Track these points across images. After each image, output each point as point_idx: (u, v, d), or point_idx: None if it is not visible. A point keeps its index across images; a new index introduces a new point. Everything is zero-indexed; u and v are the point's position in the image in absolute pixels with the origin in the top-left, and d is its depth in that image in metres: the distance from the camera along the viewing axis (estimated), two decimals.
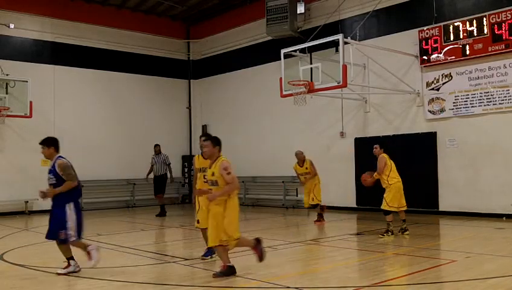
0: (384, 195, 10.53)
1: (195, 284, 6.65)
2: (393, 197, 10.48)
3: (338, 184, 16.78)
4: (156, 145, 16.90)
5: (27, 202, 17.21)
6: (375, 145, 11.07)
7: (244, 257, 8.53)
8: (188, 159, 22.16)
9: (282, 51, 14.25)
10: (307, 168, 13.68)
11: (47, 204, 17.20)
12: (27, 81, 16.90)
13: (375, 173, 10.71)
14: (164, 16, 21.48)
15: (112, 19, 19.99)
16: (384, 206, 10.49)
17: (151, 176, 16.89)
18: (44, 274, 7.46)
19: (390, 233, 10.43)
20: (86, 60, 19.40)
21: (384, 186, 10.66)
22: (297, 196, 17.94)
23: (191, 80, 22.54)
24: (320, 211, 13.74)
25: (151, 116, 21.04)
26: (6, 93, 16.76)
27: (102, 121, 19.74)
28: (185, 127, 22.49)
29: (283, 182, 18.36)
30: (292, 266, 7.91)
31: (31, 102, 16.83)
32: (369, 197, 16.02)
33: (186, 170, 22.09)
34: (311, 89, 13.30)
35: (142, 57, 20.92)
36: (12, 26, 17.61)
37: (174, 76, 22.06)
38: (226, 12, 20.69)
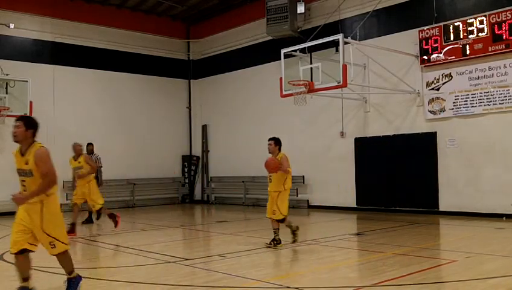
0: (278, 203, 9.34)
1: (195, 284, 6.64)
2: (286, 203, 9.48)
3: (338, 184, 16.80)
4: (89, 144, 14.98)
5: None
6: (269, 141, 9.66)
7: (246, 256, 8.53)
8: (188, 159, 22.19)
9: (282, 51, 14.26)
10: (79, 162, 11.98)
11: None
12: (27, 81, 16.90)
13: (286, 169, 9.31)
14: (164, 16, 21.48)
15: (112, 19, 20.00)
16: (279, 216, 9.38)
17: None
18: (45, 274, 7.45)
19: (277, 241, 9.38)
20: (86, 60, 19.41)
21: (277, 189, 9.38)
22: (297, 195, 17.93)
23: (191, 80, 22.55)
24: (98, 215, 11.96)
25: (151, 116, 21.06)
26: (6, 93, 16.78)
27: (102, 121, 19.74)
28: (185, 126, 22.50)
29: None
30: (292, 266, 7.91)
31: (31, 102, 16.82)
32: (368, 197, 16.07)
33: (186, 169, 22.10)
34: (311, 89, 13.30)
35: (142, 56, 20.92)
36: (12, 26, 17.62)
37: (174, 76, 22.07)
38: (226, 12, 20.70)
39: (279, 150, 9.59)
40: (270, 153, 9.59)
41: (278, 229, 9.44)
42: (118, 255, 9.00)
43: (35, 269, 7.69)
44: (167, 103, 21.71)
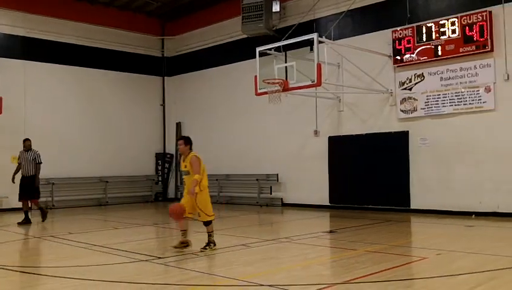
0: (199, 205, 8.68)
1: (169, 282, 6.61)
2: (209, 203, 8.87)
3: (311, 182, 16.90)
4: (26, 140, 14.09)
5: None
6: (179, 141, 8.99)
7: (219, 255, 8.53)
8: (161, 157, 22.06)
9: (257, 49, 14.30)
10: None
11: (18, 202, 16.92)
12: None
13: (196, 176, 8.54)
14: (139, 12, 21.28)
15: (86, 14, 19.72)
16: (205, 218, 8.80)
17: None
18: (15, 274, 7.33)
19: (213, 244, 8.86)
20: (58, 55, 19.13)
21: (196, 191, 8.54)
22: (271, 193, 18.00)
23: (165, 77, 22.41)
24: None
25: (124, 113, 20.87)
26: None
27: (75, 117, 19.49)
28: (158, 124, 22.36)
29: (257, 179, 18.39)
30: (265, 263, 7.93)
31: (0, 98, 16.51)
32: (341, 195, 16.21)
33: (160, 167, 21.96)
34: (285, 88, 13.35)
35: (115, 53, 20.71)
36: None
37: (148, 73, 21.91)
38: (201, 9, 20.61)
39: (191, 149, 8.95)
40: (180, 153, 9.01)
41: (186, 230, 8.86)
42: (90, 253, 8.90)
43: (6, 269, 7.57)
44: (141, 100, 21.55)
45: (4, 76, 16.85)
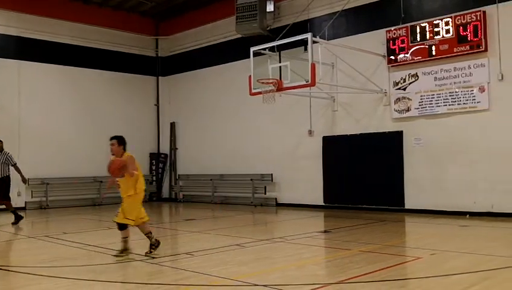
0: (127, 205, 8.22)
1: (163, 282, 6.60)
2: (136, 208, 8.35)
3: (305, 182, 16.91)
4: None
5: None
6: (111, 141, 8.59)
7: (214, 255, 8.52)
8: (156, 157, 22.02)
9: (252, 49, 14.29)
10: None
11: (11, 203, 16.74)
12: None
13: (132, 172, 8.36)
14: (133, 12, 21.23)
15: (80, 14, 19.65)
16: (121, 219, 8.15)
17: None
18: (9, 273, 7.30)
19: (125, 254, 8.19)
20: (52, 55, 19.06)
21: (129, 193, 8.27)
22: (265, 193, 17.99)
23: (159, 77, 22.37)
24: None
25: (118, 113, 20.79)
26: None
27: (69, 117, 19.43)
28: (153, 124, 22.32)
29: (251, 179, 18.38)
30: (260, 263, 7.92)
31: None
32: (336, 195, 16.22)
33: (154, 167, 21.92)
34: (280, 88, 13.36)
35: (110, 53, 20.64)
36: None
37: (142, 73, 21.85)
38: (195, 9, 20.59)
39: (124, 150, 8.54)
40: (113, 154, 8.44)
41: (151, 232, 8.48)
42: (84, 253, 8.88)
43: (0, 269, 7.54)
44: (135, 99, 21.50)
45: None
